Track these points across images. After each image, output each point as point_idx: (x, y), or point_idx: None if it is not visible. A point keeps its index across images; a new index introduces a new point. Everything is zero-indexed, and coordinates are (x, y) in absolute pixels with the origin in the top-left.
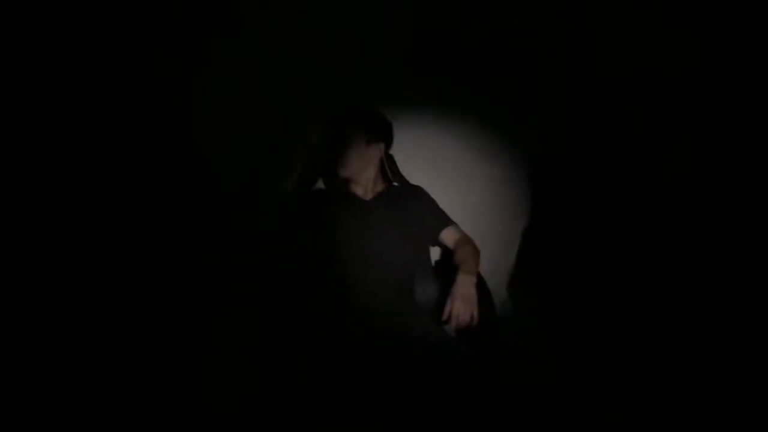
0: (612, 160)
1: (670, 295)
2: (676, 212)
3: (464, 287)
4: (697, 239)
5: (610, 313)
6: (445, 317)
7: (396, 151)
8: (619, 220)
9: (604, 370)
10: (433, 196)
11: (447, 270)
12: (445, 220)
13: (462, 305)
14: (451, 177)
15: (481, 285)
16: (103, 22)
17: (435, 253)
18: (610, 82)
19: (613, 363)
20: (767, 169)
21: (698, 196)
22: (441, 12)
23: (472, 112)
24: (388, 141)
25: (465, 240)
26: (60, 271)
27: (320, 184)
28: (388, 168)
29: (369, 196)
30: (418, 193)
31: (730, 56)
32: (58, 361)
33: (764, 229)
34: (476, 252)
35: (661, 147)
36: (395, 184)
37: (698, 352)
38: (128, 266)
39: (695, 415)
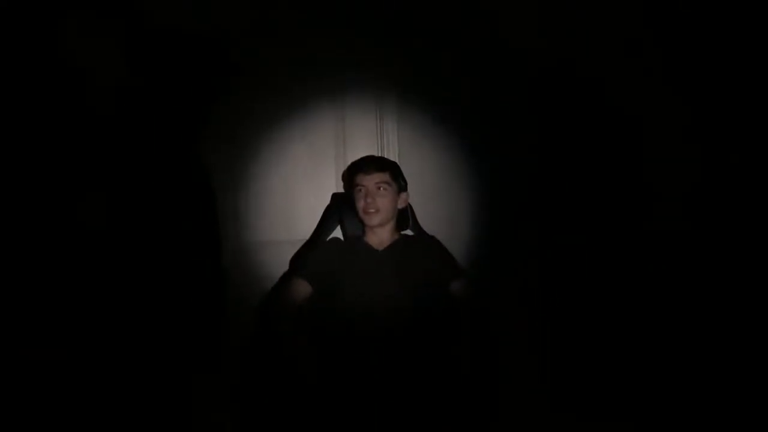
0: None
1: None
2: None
3: None
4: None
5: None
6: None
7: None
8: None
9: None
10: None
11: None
12: (457, 271)
13: None
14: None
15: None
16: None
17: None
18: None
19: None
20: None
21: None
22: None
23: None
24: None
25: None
26: (59, 272)
27: (337, 233)
28: (411, 217)
29: (382, 247)
30: (431, 243)
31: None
32: (57, 361)
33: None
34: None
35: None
36: (410, 233)
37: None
38: (128, 268)
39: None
